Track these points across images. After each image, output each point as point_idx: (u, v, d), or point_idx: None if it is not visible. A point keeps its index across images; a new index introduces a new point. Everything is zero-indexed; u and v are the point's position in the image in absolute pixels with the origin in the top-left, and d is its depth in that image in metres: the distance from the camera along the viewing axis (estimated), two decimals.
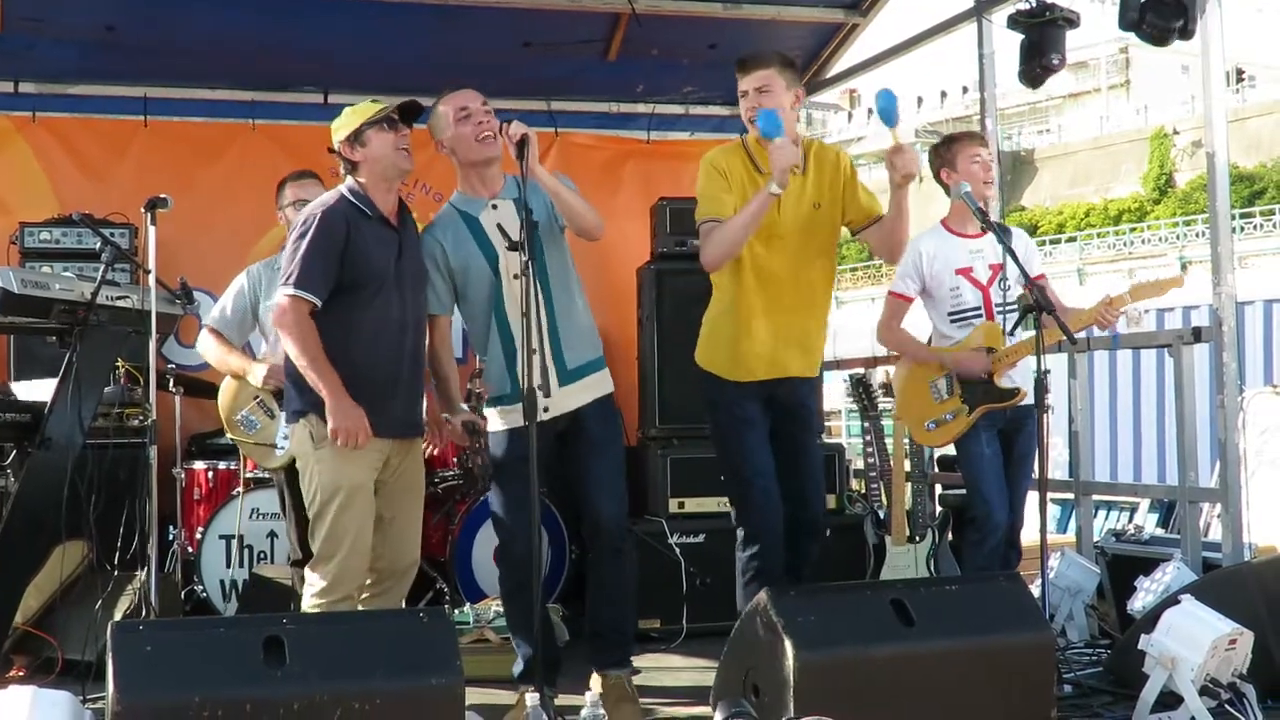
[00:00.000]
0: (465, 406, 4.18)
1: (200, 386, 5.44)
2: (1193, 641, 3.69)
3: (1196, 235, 34.66)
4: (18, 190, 6.38)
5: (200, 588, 5.47)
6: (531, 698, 3.20)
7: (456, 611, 5.07)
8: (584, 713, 3.15)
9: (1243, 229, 33.36)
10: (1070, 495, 5.83)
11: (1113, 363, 11.14)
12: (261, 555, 5.52)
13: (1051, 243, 38.58)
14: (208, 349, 4.75)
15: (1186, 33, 4.74)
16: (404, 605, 4.27)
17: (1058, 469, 7.46)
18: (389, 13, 6.01)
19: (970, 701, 3.51)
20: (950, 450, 4.90)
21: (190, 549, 5.54)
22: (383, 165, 3.92)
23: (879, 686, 3.43)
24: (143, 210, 4.53)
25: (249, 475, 5.51)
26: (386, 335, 3.90)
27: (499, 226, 4.00)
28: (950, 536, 5.28)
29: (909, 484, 5.43)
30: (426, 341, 4.09)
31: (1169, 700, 3.77)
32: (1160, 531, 6.44)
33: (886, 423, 5.49)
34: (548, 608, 4.45)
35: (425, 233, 4.10)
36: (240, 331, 4.75)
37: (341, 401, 3.75)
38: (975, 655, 3.55)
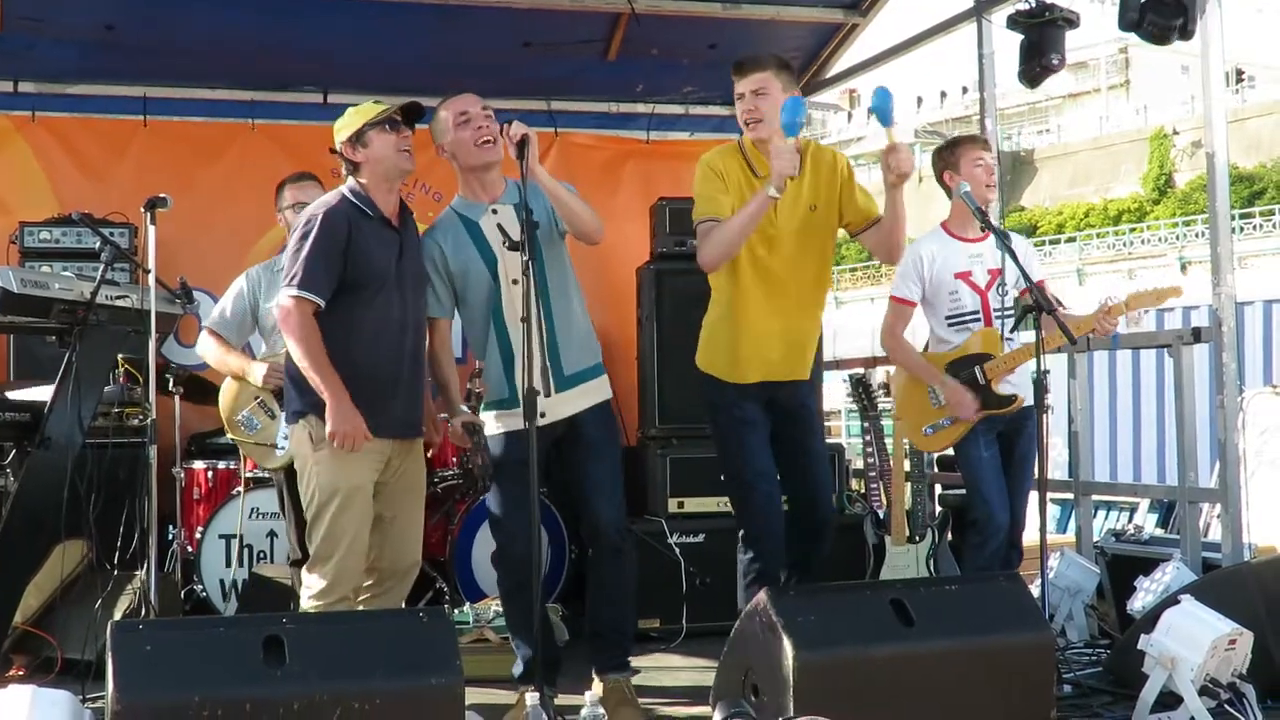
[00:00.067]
0: (465, 407, 4.18)
1: (201, 387, 5.44)
2: (1192, 641, 3.69)
3: (1196, 235, 34.68)
4: (17, 190, 6.38)
5: (200, 587, 5.47)
6: (531, 697, 3.20)
7: (456, 611, 5.07)
8: (584, 713, 3.15)
9: (1242, 229, 33.37)
10: (1070, 495, 5.83)
11: (1112, 363, 11.14)
12: (261, 555, 5.51)
13: (1051, 243, 38.60)
14: (207, 350, 4.75)
15: (1186, 32, 4.74)
16: (404, 605, 4.27)
17: (1057, 469, 7.47)
18: (389, 13, 6.01)
19: (970, 701, 3.51)
20: (950, 450, 4.90)
21: (190, 548, 5.54)
22: (384, 166, 3.92)
23: (878, 686, 3.43)
24: (142, 210, 4.52)
25: (248, 475, 5.51)
26: (387, 335, 3.90)
27: (499, 227, 4.00)
28: (950, 536, 5.28)
29: (909, 484, 5.43)
30: (427, 343, 4.09)
31: (1169, 700, 3.77)
32: (1160, 532, 6.44)
33: (886, 423, 5.48)
34: (547, 607, 4.45)
35: (425, 236, 4.09)
36: (240, 333, 4.76)
37: (342, 405, 3.75)
38: (975, 655, 3.55)
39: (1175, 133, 41.85)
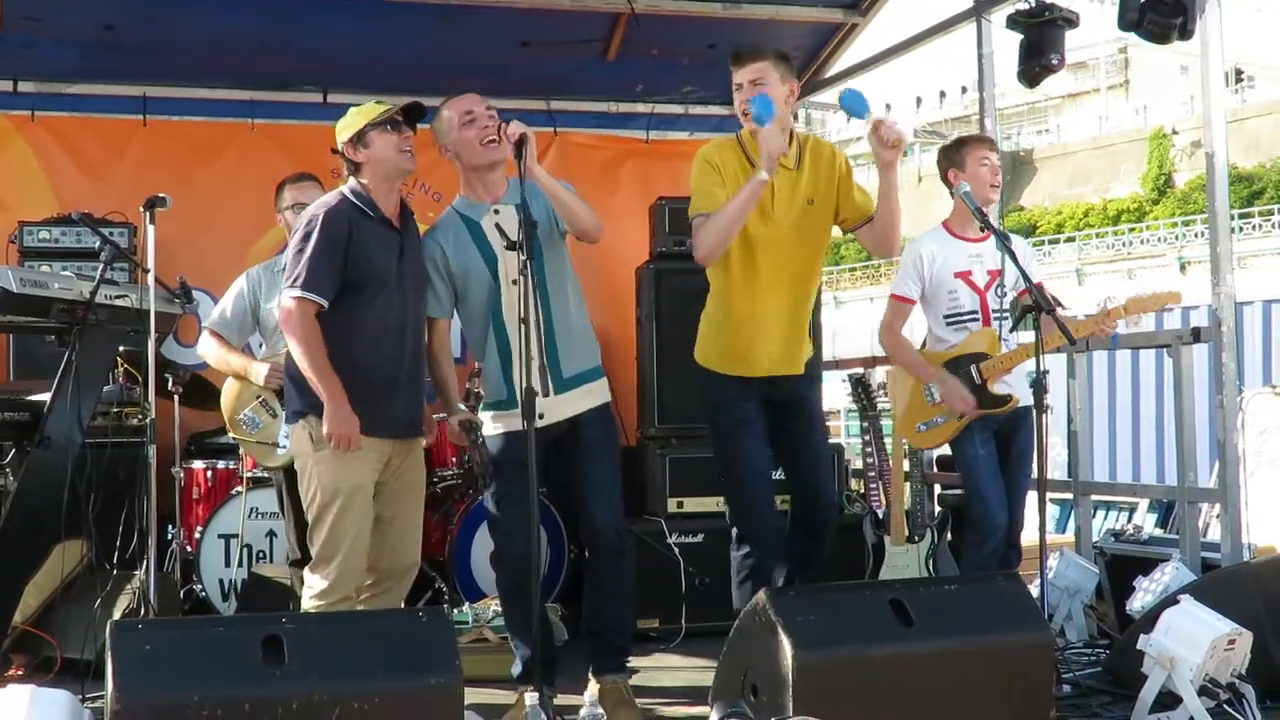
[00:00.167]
0: (463, 407, 4.18)
1: (202, 389, 5.44)
2: (1192, 642, 3.69)
3: (1195, 235, 34.70)
4: (17, 189, 6.38)
5: (199, 587, 5.47)
6: (530, 697, 3.20)
7: (455, 611, 5.07)
8: (582, 712, 3.15)
9: (1242, 229, 33.39)
10: (1069, 495, 5.83)
11: (1112, 363, 11.14)
12: (260, 554, 5.51)
13: (1050, 243, 38.62)
14: (208, 350, 4.75)
15: (1186, 32, 4.74)
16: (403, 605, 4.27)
17: (1057, 469, 7.47)
18: (389, 12, 6.01)
19: (969, 701, 3.50)
20: (950, 450, 4.90)
21: (189, 548, 5.55)
22: (385, 166, 3.92)
23: (878, 686, 3.43)
24: (142, 209, 4.52)
25: (248, 474, 5.51)
26: (388, 335, 3.90)
27: (498, 227, 4.00)
28: (949, 536, 5.28)
29: (908, 484, 5.43)
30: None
31: (1168, 700, 3.77)
32: (1159, 531, 6.44)
33: (885, 423, 5.49)
34: (546, 607, 4.45)
35: (426, 236, 4.09)
36: (240, 333, 4.75)
37: (340, 408, 3.76)
38: (974, 655, 3.55)
39: (1174, 133, 41.87)
